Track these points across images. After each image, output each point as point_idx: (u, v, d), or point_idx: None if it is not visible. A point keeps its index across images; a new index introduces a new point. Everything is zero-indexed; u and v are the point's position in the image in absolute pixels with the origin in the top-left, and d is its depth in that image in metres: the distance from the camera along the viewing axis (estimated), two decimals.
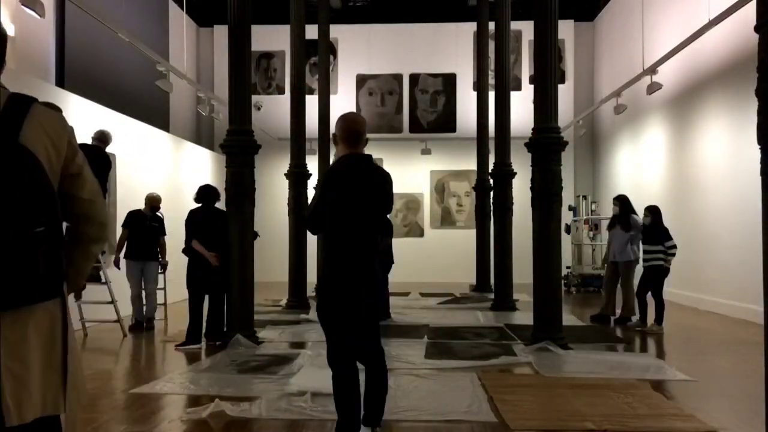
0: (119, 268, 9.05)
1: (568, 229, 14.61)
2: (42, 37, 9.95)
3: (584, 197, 15.78)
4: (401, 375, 6.03)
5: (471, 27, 16.48)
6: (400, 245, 17.39)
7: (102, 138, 8.34)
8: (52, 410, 2.06)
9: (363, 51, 17.59)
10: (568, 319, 9.26)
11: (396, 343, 7.66)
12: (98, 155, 7.78)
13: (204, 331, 7.78)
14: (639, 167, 14.33)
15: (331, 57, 17.08)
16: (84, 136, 9.15)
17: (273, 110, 17.07)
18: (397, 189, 15.52)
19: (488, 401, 5.07)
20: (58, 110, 3.15)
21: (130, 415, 4.96)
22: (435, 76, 17.78)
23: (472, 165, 15.07)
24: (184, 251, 7.74)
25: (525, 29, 16.33)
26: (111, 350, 7.82)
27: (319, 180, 4.21)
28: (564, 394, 5.29)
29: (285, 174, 12.10)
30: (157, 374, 6.41)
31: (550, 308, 7.45)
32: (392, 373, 5.22)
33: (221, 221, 7.69)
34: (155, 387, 5.72)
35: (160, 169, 11.78)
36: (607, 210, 15.99)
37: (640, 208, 14.10)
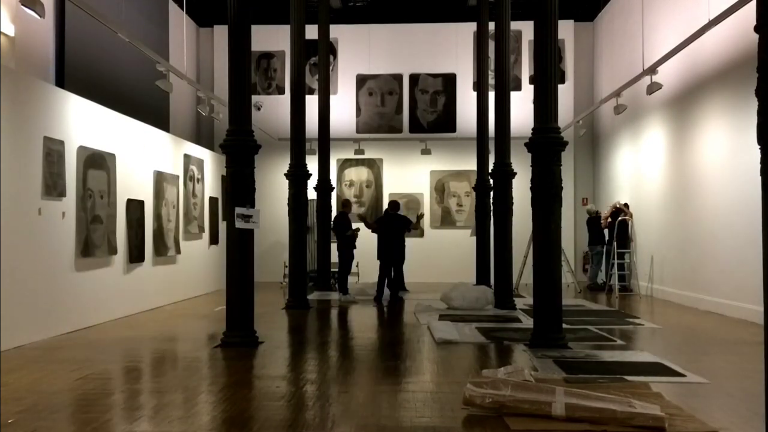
0: None
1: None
2: (42, 37, 9.95)
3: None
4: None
5: (471, 27, 16.47)
6: None
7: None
8: None
9: (363, 51, 17.58)
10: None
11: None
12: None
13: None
14: (639, 167, 14.33)
15: (331, 57, 17.08)
16: (84, 136, 9.17)
17: (273, 110, 17.07)
18: (397, 189, 15.52)
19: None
20: None
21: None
22: (435, 76, 17.77)
23: (472, 165, 15.05)
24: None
25: (525, 29, 16.32)
26: None
27: None
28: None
29: (285, 174, 12.11)
30: None
31: (550, 308, 7.45)
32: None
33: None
34: None
35: (159, 169, 11.77)
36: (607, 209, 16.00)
37: (640, 208, 14.14)
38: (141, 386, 6.13)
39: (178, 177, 12.56)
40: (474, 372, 5.99)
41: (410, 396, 5.41)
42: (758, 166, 3.57)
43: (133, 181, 10.67)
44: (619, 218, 14.12)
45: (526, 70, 17.29)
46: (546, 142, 7.50)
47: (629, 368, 6.37)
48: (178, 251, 12.50)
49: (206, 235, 14.25)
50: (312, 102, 14.32)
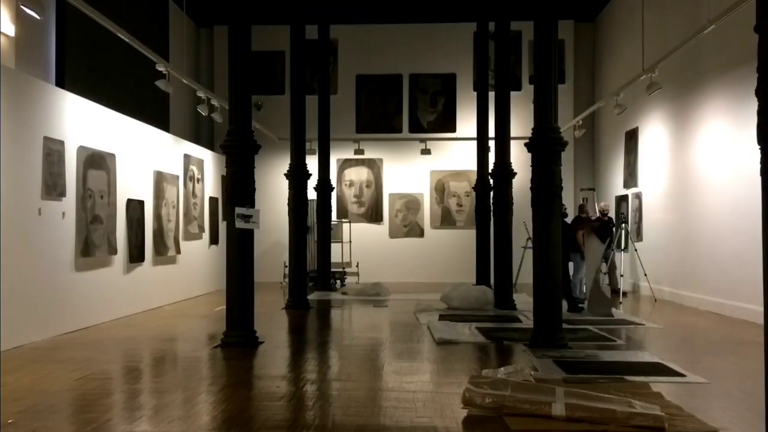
0: None
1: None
2: (42, 37, 9.95)
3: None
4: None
5: (471, 27, 16.47)
6: (400, 245, 17.45)
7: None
8: None
9: (363, 51, 17.58)
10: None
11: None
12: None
13: None
14: (639, 167, 14.33)
15: (331, 57, 17.08)
16: (84, 136, 9.17)
17: (273, 110, 17.06)
18: (397, 189, 15.47)
19: None
20: None
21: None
22: (435, 76, 17.77)
23: (472, 165, 15.05)
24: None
25: (525, 29, 16.32)
26: None
27: None
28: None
29: (285, 174, 12.11)
30: None
31: (550, 308, 7.46)
32: None
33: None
34: None
35: (159, 169, 11.77)
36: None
37: (641, 208, 14.13)
38: (141, 386, 6.13)
39: (178, 177, 12.57)
40: (474, 372, 5.99)
41: (410, 396, 5.40)
42: (758, 166, 3.58)
43: (133, 181, 10.67)
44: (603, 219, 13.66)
45: (526, 70, 17.29)
46: (546, 142, 7.50)
47: (629, 368, 6.37)
48: (178, 251, 12.50)
49: (206, 235, 14.25)
50: (312, 102, 14.31)
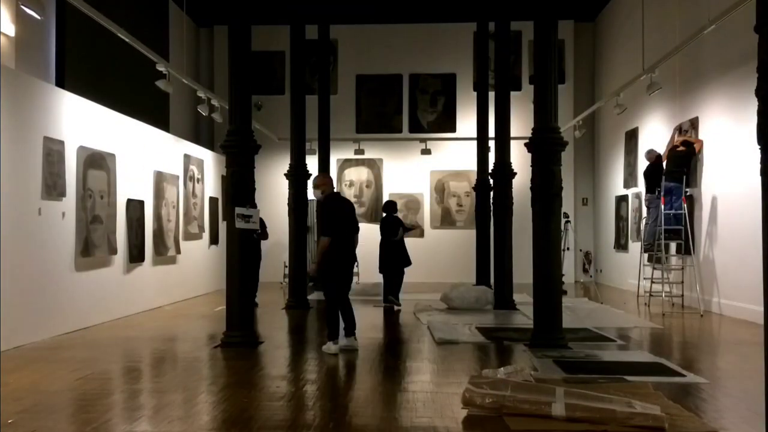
0: None
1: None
2: (42, 37, 9.94)
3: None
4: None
5: (471, 27, 16.46)
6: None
7: None
8: None
9: (363, 51, 17.58)
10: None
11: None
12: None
13: None
14: (639, 167, 14.32)
15: (331, 57, 17.07)
16: (84, 136, 9.17)
17: (273, 110, 17.06)
18: (397, 189, 15.40)
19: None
20: None
21: None
22: (435, 76, 17.77)
23: (472, 165, 15.04)
24: None
25: (525, 29, 16.32)
26: None
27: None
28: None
29: (285, 174, 12.11)
30: None
31: (550, 308, 7.46)
32: None
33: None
34: None
35: (159, 169, 11.77)
36: (606, 210, 15.99)
37: (641, 207, 14.12)
38: (141, 386, 6.13)
39: (178, 177, 12.57)
40: (474, 372, 5.99)
41: (410, 396, 5.41)
42: (758, 166, 3.57)
43: (133, 181, 10.66)
44: None
45: (526, 70, 17.29)
46: (546, 142, 7.50)
47: (629, 368, 6.37)
48: (178, 251, 12.50)
49: (206, 235, 14.25)
50: (312, 102, 14.31)
